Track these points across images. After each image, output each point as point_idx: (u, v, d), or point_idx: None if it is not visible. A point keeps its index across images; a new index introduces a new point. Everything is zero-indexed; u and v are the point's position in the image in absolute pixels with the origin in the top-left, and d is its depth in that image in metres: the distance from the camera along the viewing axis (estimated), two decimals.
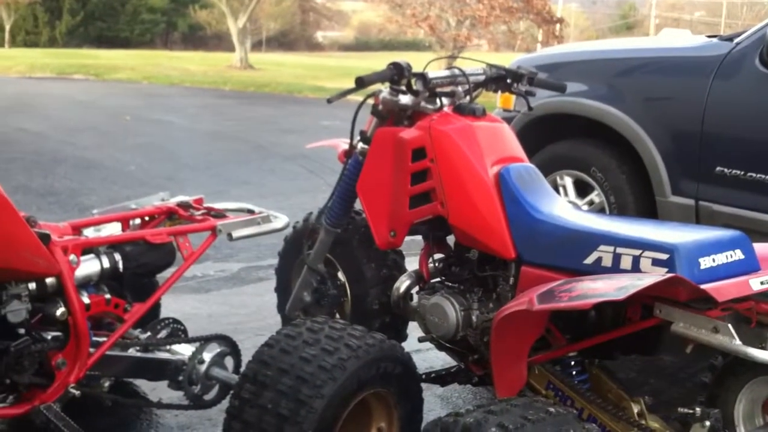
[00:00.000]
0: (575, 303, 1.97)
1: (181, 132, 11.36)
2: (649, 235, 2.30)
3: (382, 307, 3.26)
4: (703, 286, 2.03)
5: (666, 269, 2.17)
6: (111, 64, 22.58)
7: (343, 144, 3.25)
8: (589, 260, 2.34)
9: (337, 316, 3.41)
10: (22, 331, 2.58)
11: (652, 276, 2.05)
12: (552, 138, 4.39)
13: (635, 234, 2.33)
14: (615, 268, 2.28)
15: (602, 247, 2.32)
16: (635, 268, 2.25)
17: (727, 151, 3.75)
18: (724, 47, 3.88)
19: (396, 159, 2.75)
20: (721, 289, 2.09)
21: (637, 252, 2.25)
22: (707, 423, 2.21)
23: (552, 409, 1.94)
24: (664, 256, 2.20)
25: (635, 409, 2.38)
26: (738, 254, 2.29)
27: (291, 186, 8.09)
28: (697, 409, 2.24)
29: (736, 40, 3.87)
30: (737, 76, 3.77)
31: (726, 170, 3.72)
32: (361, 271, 3.31)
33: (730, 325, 2.09)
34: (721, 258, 2.25)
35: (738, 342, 2.08)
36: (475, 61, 3.03)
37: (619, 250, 2.29)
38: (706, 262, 2.21)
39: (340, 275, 3.42)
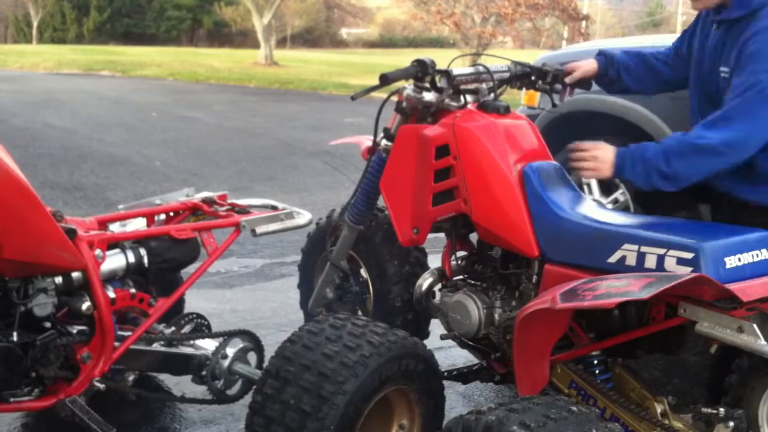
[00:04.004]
0: (599, 302, 1.95)
1: (206, 128, 11.43)
2: (673, 234, 2.27)
3: (404, 304, 3.26)
4: (728, 286, 2.01)
5: (691, 268, 2.15)
6: (137, 60, 22.76)
7: (367, 141, 3.25)
8: (613, 259, 2.32)
9: (360, 312, 3.41)
10: (48, 324, 2.60)
11: (676, 275, 2.03)
12: (577, 135, 4.35)
13: (660, 233, 2.30)
14: (639, 267, 2.26)
15: (626, 246, 2.30)
16: (660, 267, 2.22)
17: None
18: None
19: (419, 156, 2.75)
20: (746, 289, 2.06)
21: (661, 251, 2.23)
22: (731, 423, 2.20)
23: (574, 408, 1.93)
24: (689, 255, 2.17)
25: (658, 408, 2.37)
26: (764, 254, 2.25)
27: (315, 182, 8.11)
28: (721, 409, 2.23)
29: None
30: None
31: None
32: (383, 268, 3.31)
33: (755, 325, 2.07)
34: (747, 257, 2.22)
35: (763, 342, 2.05)
36: (499, 59, 3.02)
37: (644, 248, 2.26)
38: (731, 262, 2.18)
39: (363, 272, 3.43)
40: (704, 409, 2.27)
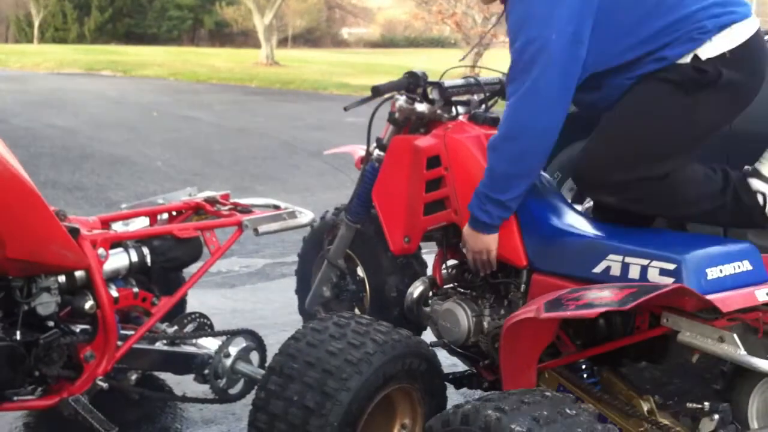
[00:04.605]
0: (581, 312, 1.99)
1: (207, 128, 11.44)
2: (656, 245, 2.30)
3: (399, 295, 3.24)
4: (708, 297, 2.04)
5: (673, 279, 2.18)
6: (138, 60, 22.72)
7: (360, 150, 3.29)
8: (599, 269, 2.35)
9: (356, 311, 3.44)
10: (51, 323, 2.64)
11: (657, 286, 2.06)
12: (578, 135, 4.36)
13: (643, 244, 2.33)
14: (623, 278, 2.28)
15: (611, 257, 2.32)
16: (643, 277, 2.25)
17: (755, 150, 3.69)
18: None
19: (411, 167, 2.79)
20: (726, 300, 2.09)
21: (645, 262, 2.25)
22: (716, 416, 2.20)
23: (548, 394, 1.96)
24: (671, 266, 2.20)
25: (645, 407, 2.37)
26: (746, 265, 2.28)
27: (316, 182, 8.14)
28: (706, 403, 2.23)
29: (765, 38, 3.81)
30: None
31: None
32: (378, 260, 3.33)
33: (735, 335, 2.09)
34: (728, 269, 2.24)
35: (743, 352, 2.08)
36: (492, 71, 3.07)
37: (628, 259, 2.28)
38: (713, 273, 2.21)
39: (359, 271, 3.45)
40: (689, 405, 2.27)
